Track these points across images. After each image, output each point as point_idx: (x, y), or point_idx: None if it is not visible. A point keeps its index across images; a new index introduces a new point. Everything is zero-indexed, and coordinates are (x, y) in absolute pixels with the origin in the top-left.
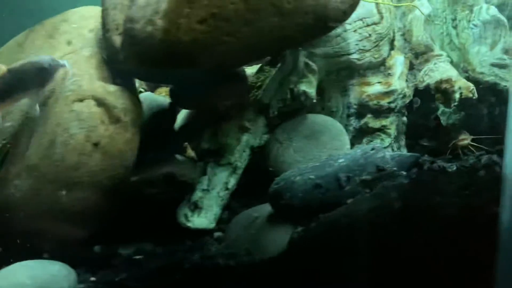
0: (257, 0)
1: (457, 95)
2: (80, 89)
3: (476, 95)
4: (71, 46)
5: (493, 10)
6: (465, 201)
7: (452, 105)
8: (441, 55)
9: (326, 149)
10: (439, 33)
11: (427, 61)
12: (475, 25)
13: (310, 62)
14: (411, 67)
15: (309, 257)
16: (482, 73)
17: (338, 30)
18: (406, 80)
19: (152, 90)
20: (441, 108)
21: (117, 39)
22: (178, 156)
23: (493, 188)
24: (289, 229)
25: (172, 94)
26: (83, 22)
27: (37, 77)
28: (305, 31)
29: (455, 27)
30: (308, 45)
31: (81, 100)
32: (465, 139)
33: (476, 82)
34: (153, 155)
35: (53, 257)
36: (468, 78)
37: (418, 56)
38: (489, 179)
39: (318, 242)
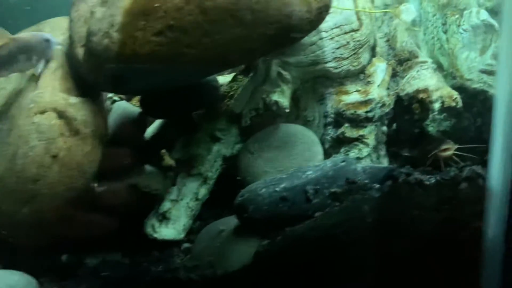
0: (216, 12)
1: (436, 105)
2: (42, 101)
3: (460, 103)
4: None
5: (484, 14)
6: (445, 216)
7: (430, 115)
8: (425, 61)
9: (296, 160)
10: (429, 38)
11: (410, 68)
12: (464, 30)
13: (283, 71)
14: (394, 75)
15: (274, 272)
16: (470, 79)
17: (313, 38)
18: (388, 88)
19: (129, 99)
20: (433, 114)
21: (80, 52)
22: (148, 167)
23: (476, 202)
24: (255, 242)
25: (142, 103)
26: (52, 34)
27: (39, 48)
28: (270, 41)
29: (445, 32)
30: (281, 54)
31: (42, 112)
32: (448, 149)
33: (464, 89)
34: (122, 165)
35: (15, 267)
36: (456, 85)
37: (402, 63)
38: (471, 192)
39: (283, 256)
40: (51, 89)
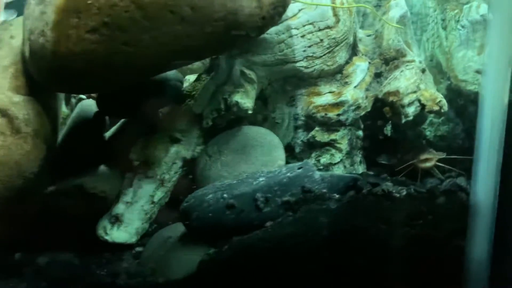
0: (154, 7)
1: (409, 109)
2: None
3: (445, 108)
4: None
5: (484, 9)
6: (418, 233)
7: (403, 120)
8: (412, 61)
9: (254, 165)
10: (430, 35)
11: (397, 67)
12: (462, 26)
13: (247, 71)
14: (379, 75)
15: (218, 283)
16: (464, 80)
17: (282, 35)
18: (368, 90)
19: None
20: (430, 117)
21: (26, 50)
22: (103, 167)
23: (457, 218)
24: (201, 251)
25: (98, 102)
26: (15, 31)
27: None
28: (217, 40)
29: (444, 28)
30: (246, 52)
31: None
32: (429, 159)
33: (458, 91)
34: (76, 165)
35: None
36: (450, 87)
37: (388, 62)
38: (451, 207)
39: (229, 267)
40: None
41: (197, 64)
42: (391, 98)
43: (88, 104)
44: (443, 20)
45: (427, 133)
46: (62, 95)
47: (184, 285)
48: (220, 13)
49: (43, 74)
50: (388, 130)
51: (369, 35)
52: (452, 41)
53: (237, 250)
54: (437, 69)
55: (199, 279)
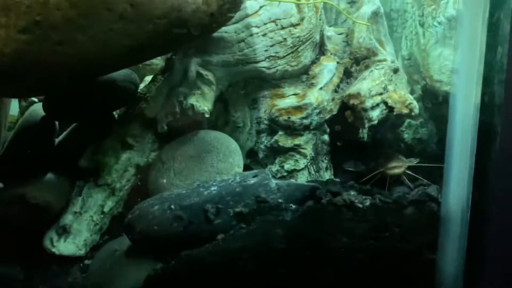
0: (89, 5)
1: (373, 113)
2: None
3: (416, 111)
4: None
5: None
6: (382, 246)
7: (366, 124)
8: (383, 60)
9: (209, 172)
10: (409, 32)
11: (367, 67)
12: (439, 23)
13: (204, 72)
14: (349, 75)
15: None
16: (439, 81)
17: (242, 34)
18: (336, 91)
19: None
20: (408, 120)
21: None
22: (50, 175)
23: (427, 230)
24: (148, 266)
25: (44, 105)
26: None
27: None
28: (161, 38)
29: (422, 25)
30: (202, 52)
31: None
32: (398, 166)
33: (433, 92)
34: (21, 172)
35: None
36: (425, 87)
37: (359, 62)
38: (420, 218)
39: (178, 283)
40: None
41: (157, 64)
42: (352, 101)
43: (38, 108)
44: (421, 16)
45: (405, 135)
46: (9, 100)
47: None
48: (162, 9)
49: None
50: (364, 133)
51: (340, 33)
52: (429, 39)
53: (186, 265)
54: (415, 68)
55: None
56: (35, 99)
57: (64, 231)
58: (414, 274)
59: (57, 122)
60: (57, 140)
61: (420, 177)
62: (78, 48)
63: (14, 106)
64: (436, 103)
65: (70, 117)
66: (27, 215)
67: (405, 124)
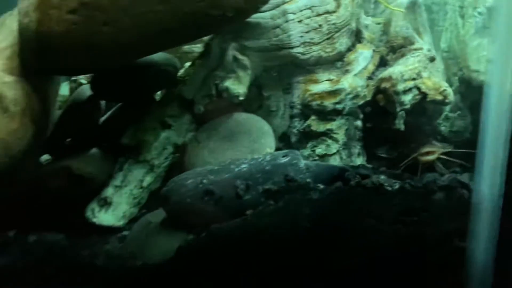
0: None
1: (404, 97)
2: None
3: (450, 98)
4: None
5: None
6: (410, 230)
7: (399, 108)
8: (420, 48)
9: (241, 152)
10: (449, 24)
11: (403, 55)
12: (479, 13)
13: (241, 56)
14: (385, 64)
15: (195, 270)
16: (476, 71)
17: (278, 20)
18: (371, 78)
19: None
20: (446, 112)
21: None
22: (95, 150)
23: (457, 217)
24: (181, 237)
25: (92, 86)
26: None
27: None
28: (200, 21)
29: (462, 16)
30: (240, 37)
31: None
32: (431, 152)
33: (469, 82)
34: (68, 147)
35: None
36: (462, 77)
37: (395, 50)
38: (451, 204)
39: (207, 254)
40: None
41: (198, 52)
42: (383, 84)
43: (85, 89)
44: (461, 7)
45: (442, 128)
46: (59, 79)
47: (161, 269)
48: None
49: (29, 55)
50: (400, 123)
51: (378, 23)
52: (468, 29)
53: (215, 238)
54: (454, 61)
55: (176, 264)
56: (83, 81)
57: (105, 203)
58: (442, 260)
59: (103, 102)
60: (102, 119)
61: (453, 164)
62: (121, 29)
63: (64, 87)
64: (473, 94)
65: (115, 98)
66: (71, 186)
67: (442, 116)
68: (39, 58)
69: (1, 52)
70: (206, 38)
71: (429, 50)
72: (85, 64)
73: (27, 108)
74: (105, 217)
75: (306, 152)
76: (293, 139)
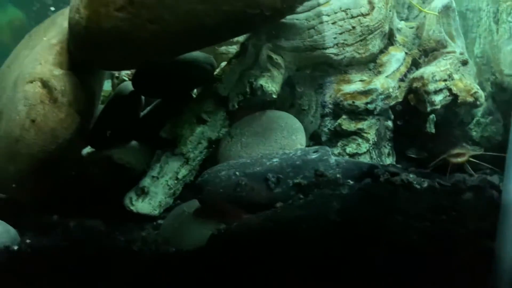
0: None
1: (436, 97)
2: (34, 72)
3: (481, 100)
4: (48, 35)
5: None
6: (437, 228)
7: (429, 108)
8: (452, 52)
9: (272, 147)
10: (482, 30)
11: (435, 58)
12: None
13: (275, 56)
14: (417, 66)
15: (225, 258)
16: (509, 75)
17: (313, 22)
18: (402, 80)
19: None
20: (477, 117)
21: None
22: (134, 142)
23: (486, 217)
24: (213, 226)
25: (133, 82)
26: (67, 14)
27: None
28: (237, 19)
29: (496, 22)
30: (274, 37)
31: (31, 82)
32: (462, 154)
33: (502, 86)
34: (110, 138)
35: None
36: (495, 82)
37: (428, 53)
38: (479, 205)
39: (237, 243)
40: (44, 62)
41: (233, 53)
42: (415, 84)
43: (127, 85)
44: (495, 13)
45: (473, 133)
46: (104, 75)
47: (193, 255)
48: None
49: (78, 49)
50: (431, 127)
51: (411, 27)
52: (502, 35)
53: (246, 228)
54: (487, 66)
55: (207, 252)
56: (125, 78)
57: (142, 192)
58: (469, 260)
59: (143, 97)
60: (142, 113)
61: (483, 167)
62: (164, 26)
63: (106, 83)
64: (506, 98)
65: (155, 93)
66: (111, 175)
67: (474, 121)
68: (87, 52)
69: (52, 47)
70: (241, 39)
71: (461, 54)
72: (130, 59)
73: (74, 99)
74: (142, 206)
75: (337, 150)
76: (324, 137)
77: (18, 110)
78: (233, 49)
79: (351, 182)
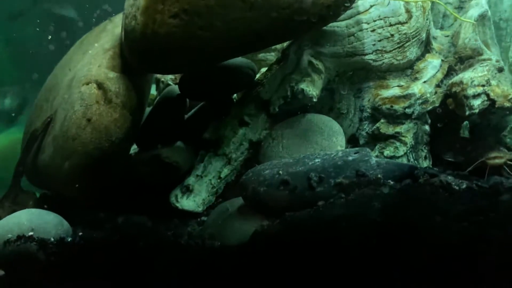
0: None
1: (474, 101)
2: (89, 74)
3: None
4: (100, 41)
5: None
6: (476, 229)
7: (468, 112)
8: (488, 59)
9: (313, 148)
10: None
11: (471, 66)
12: None
13: (315, 61)
14: (452, 73)
15: (268, 253)
16: None
17: (352, 29)
18: (439, 86)
19: None
20: (511, 125)
21: (122, 34)
22: (180, 143)
23: None
24: (257, 222)
25: (179, 85)
26: (117, 22)
27: None
28: (283, 27)
29: None
30: (315, 43)
31: (87, 83)
32: (499, 157)
33: None
34: (157, 139)
35: (55, 211)
36: None
37: (463, 61)
38: None
39: (279, 240)
40: (98, 65)
41: (272, 60)
42: (454, 89)
43: (174, 89)
44: None
45: (507, 140)
46: (151, 79)
47: (236, 250)
48: (287, 0)
49: (133, 54)
50: (465, 133)
51: (447, 36)
52: None
53: (288, 226)
54: None
55: (250, 247)
56: (170, 82)
57: (187, 190)
58: (507, 261)
59: (188, 100)
60: (186, 116)
61: None
62: (215, 33)
63: (153, 87)
64: None
65: (199, 97)
66: (159, 173)
67: (508, 128)
68: (141, 56)
69: (105, 52)
70: (279, 46)
71: (497, 61)
72: (182, 64)
73: (126, 101)
74: (186, 203)
75: (374, 153)
76: (362, 140)
77: (74, 110)
78: (271, 55)
79: (392, 183)
